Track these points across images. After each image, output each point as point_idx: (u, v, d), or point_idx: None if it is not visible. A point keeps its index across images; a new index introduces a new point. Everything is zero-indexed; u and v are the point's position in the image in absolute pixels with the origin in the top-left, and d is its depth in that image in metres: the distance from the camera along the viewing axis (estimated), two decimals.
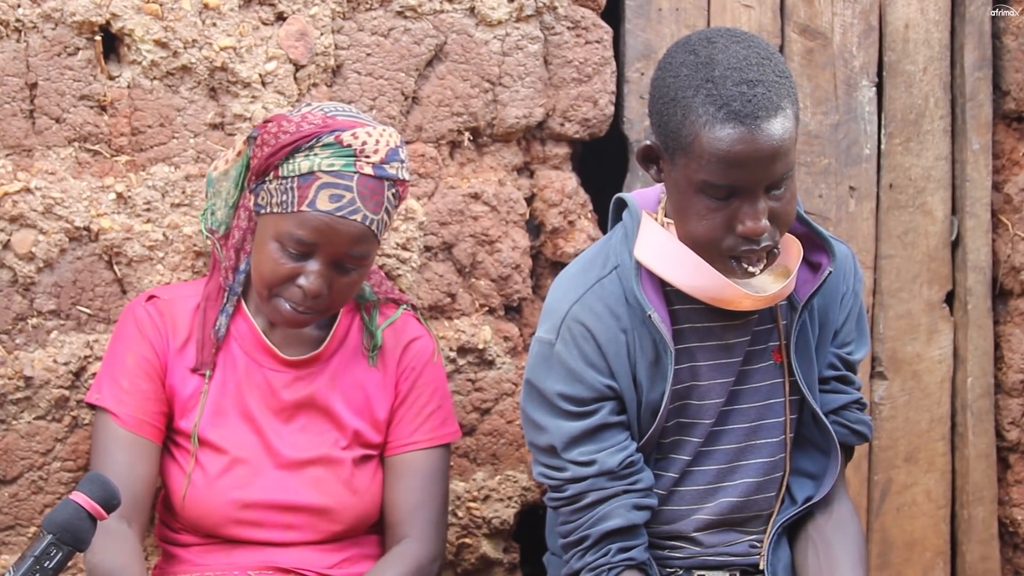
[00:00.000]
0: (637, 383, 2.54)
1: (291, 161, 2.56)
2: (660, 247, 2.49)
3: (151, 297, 2.74)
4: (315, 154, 2.55)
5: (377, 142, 2.58)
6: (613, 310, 2.52)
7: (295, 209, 2.55)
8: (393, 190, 2.61)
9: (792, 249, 2.55)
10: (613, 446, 2.53)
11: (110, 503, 2.23)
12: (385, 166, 2.58)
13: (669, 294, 2.54)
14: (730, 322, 2.56)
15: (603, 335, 2.52)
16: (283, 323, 2.65)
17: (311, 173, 2.54)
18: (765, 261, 2.44)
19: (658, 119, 2.43)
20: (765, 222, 2.37)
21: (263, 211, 2.61)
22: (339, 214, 2.54)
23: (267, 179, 2.60)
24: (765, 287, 2.50)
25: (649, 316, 2.47)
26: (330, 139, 2.56)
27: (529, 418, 2.60)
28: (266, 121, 2.65)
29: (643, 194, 2.65)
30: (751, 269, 2.43)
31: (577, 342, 2.52)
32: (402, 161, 2.63)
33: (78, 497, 2.20)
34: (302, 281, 2.57)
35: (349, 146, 2.56)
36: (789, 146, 2.36)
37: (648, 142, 2.48)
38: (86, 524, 2.19)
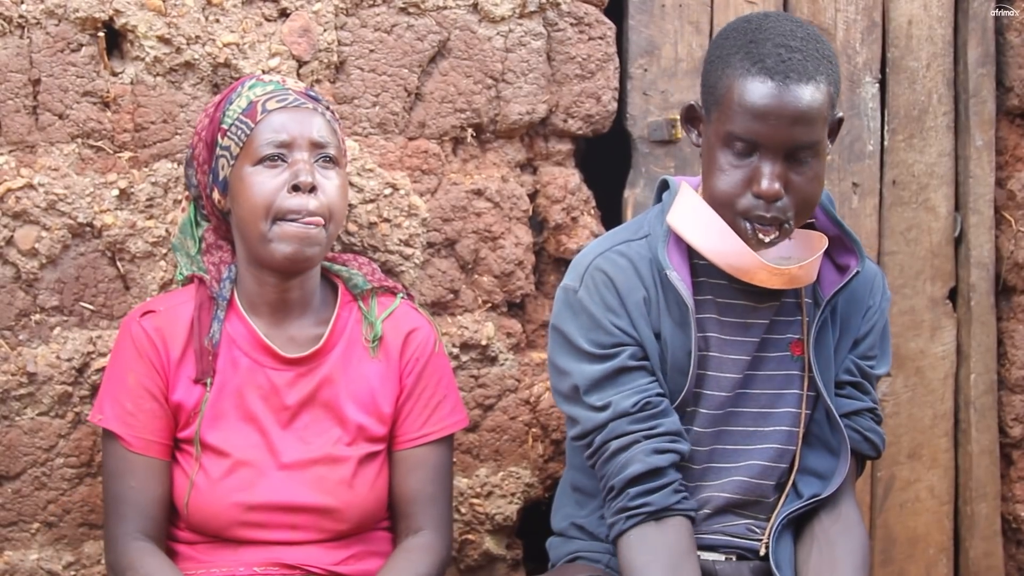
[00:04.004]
0: (662, 341, 2.60)
1: (228, 111, 2.68)
2: (690, 210, 2.57)
3: (146, 312, 2.72)
4: (244, 95, 2.69)
5: (296, 83, 2.76)
6: (637, 266, 2.61)
7: (253, 126, 2.64)
8: (329, 114, 2.73)
9: (815, 243, 2.62)
10: (630, 389, 2.57)
11: None
12: (310, 92, 2.74)
13: (696, 266, 2.61)
14: (751, 303, 2.62)
15: (624, 285, 2.59)
16: (294, 251, 2.61)
17: (250, 103, 2.67)
18: (777, 234, 2.50)
19: (703, 79, 2.57)
20: (779, 186, 2.45)
21: (229, 169, 2.66)
22: (292, 106, 2.66)
23: (217, 147, 2.68)
24: (783, 264, 2.55)
25: (664, 275, 2.55)
26: (252, 81, 2.73)
27: (554, 364, 2.67)
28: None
29: (687, 179, 2.71)
30: (762, 238, 2.50)
31: (599, 289, 2.60)
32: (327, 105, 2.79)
33: None
34: (293, 180, 2.61)
35: (271, 80, 2.72)
36: (816, 118, 2.45)
37: (692, 102, 2.61)
38: None
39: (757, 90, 2.43)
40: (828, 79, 2.47)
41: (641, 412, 2.56)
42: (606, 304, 2.59)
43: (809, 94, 2.43)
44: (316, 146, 2.65)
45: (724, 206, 2.51)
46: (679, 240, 2.59)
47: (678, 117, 3.20)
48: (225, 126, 2.67)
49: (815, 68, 2.45)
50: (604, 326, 2.58)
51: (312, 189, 2.61)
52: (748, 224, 2.49)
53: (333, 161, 2.67)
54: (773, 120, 2.43)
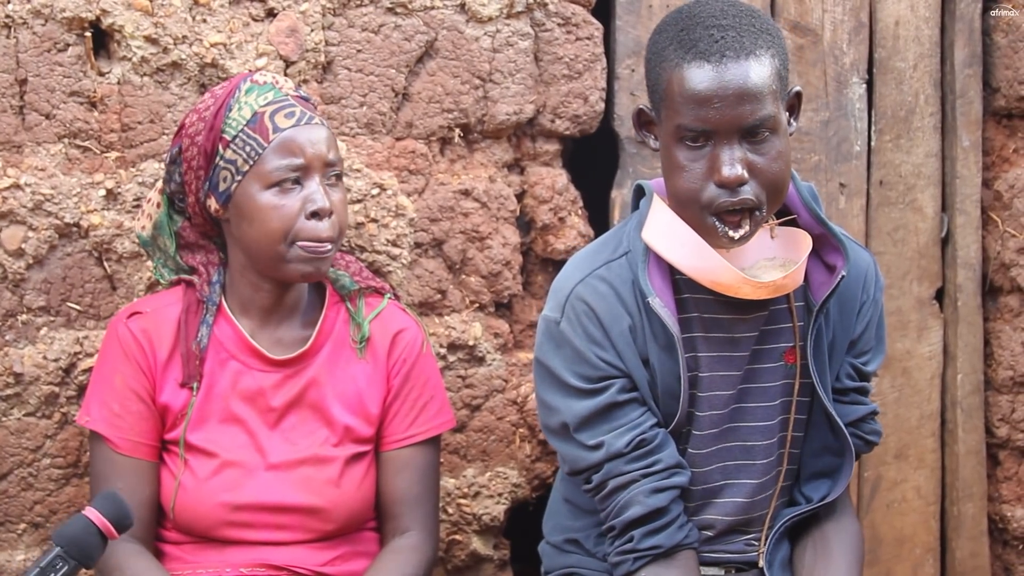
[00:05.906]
0: (650, 367, 2.51)
1: (229, 120, 2.63)
2: (665, 226, 2.48)
3: (133, 314, 2.72)
4: (244, 102, 2.64)
5: (286, 82, 2.73)
6: (619, 292, 2.50)
7: (266, 144, 2.60)
8: (325, 121, 2.72)
9: (800, 242, 2.53)
10: (623, 426, 2.49)
11: (122, 523, 2.23)
12: (301, 94, 2.71)
13: (678, 282, 2.52)
14: (738, 316, 2.52)
15: (606, 314, 2.49)
16: (314, 269, 2.63)
17: (254, 114, 2.62)
18: (748, 227, 2.41)
19: (647, 81, 2.48)
20: (740, 170, 2.35)
21: (234, 185, 2.62)
22: (303, 123, 2.63)
23: (218, 158, 2.63)
24: (765, 276, 2.49)
25: (647, 301, 2.45)
26: (247, 84, 2.67)
27: (541, 399, 2.58)
28: (180, 125, 2.71)
29: (661, 183, 2.61)
30: (732, 234, 2.40)
31: (581, 321, 2.50)
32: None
33: (91, 513, 2.19)
34: (311, 207, 2.60)
35: (265, 83, 2.68)
36: (763, 92, 2.35)
37: (641, 106, 2.52)
38: (95, 540, 2.19)
39: (695, 76, 2.34)
40: (770, 52, 2.37)
41: (636, 450, 2.48)
42: (590, 336, 2.49)
43: (750, 69, 2.34)
44: (328, 165, 2.64)
45: (688, 204, 2.41)
46: (659, 256, 2.49)
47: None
48: (228, 136, 2.62)
49: (752, 43, 2.35)
50: (589, 360, 2.49)
51: (329, 214, 2.62)
52: (717, 221, 2.39)
53: (338, 166, 2.68)
54: (718, 103, 2.33)
